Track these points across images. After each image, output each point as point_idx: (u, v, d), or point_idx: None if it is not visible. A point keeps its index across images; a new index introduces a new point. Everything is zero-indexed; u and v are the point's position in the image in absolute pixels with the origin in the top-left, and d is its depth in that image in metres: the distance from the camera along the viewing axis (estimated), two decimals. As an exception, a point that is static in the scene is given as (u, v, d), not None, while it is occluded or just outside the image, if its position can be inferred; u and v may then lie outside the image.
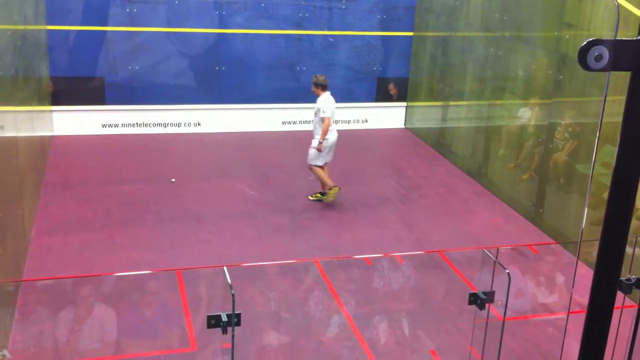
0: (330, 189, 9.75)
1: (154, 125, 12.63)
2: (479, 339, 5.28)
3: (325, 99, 9.61)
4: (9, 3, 8.04)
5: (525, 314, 7.12)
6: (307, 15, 12.93)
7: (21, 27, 8.98)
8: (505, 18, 10.83)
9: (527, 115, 10.38)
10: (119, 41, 12.16)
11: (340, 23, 13.15)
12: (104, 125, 12.38)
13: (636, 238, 4.49)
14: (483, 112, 11.44)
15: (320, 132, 9.54)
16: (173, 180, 10.39)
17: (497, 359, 5.73)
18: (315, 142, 9.67)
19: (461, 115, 12.30)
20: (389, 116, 13.81)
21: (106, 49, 12.15)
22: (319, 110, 9.56)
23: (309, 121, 13.33)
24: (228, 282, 5.85)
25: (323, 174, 9.82)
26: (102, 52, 12.14)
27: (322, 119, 9.50)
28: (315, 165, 9.80)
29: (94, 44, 12.07)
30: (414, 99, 13.77)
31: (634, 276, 2.82)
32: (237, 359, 5.12)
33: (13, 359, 6.03)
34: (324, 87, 9.66)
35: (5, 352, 6.63)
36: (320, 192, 9.95)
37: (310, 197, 9.99)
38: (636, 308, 3.00)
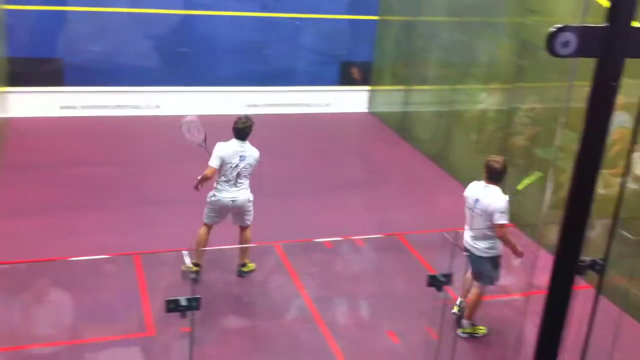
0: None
1: (112, 107, 12.45)
2: (436, 320, 5.34)
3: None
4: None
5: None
6: (271, -3, 12.84)
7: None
8: (470, 3, 10.87)
9: (488, 100, 10.46)
10: (80, 21, 11.92)
11: (306, 6, 13.07)
12: (62, 107, 12.16)
13: (590, 221, 4.55)
14: (446, 96, 11.50)
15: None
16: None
17: (453, 340, 5.82)
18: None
19: (424, 99, 12.35)
20: (352, 100, 13.79)
21: (66, 30, 11.90)
22: (257, 161, 7.37)
23: (274, 104, 13.29)
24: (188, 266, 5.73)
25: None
26: (62, 32, 11.88)
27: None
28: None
29: (54, 24, 11.80)
30: (378, 83, 13.77)
31: (588, 258, 2.86)
32: (196, 342, 5.09)
33: None
34: None
35: None
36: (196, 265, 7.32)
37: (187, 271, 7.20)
38: (589, 289, 3.05)
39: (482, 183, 6.50)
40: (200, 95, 12.81)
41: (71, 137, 11.37)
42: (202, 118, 12.48)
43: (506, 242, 6.38)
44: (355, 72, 13.78)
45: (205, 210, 7.38)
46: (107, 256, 7.37)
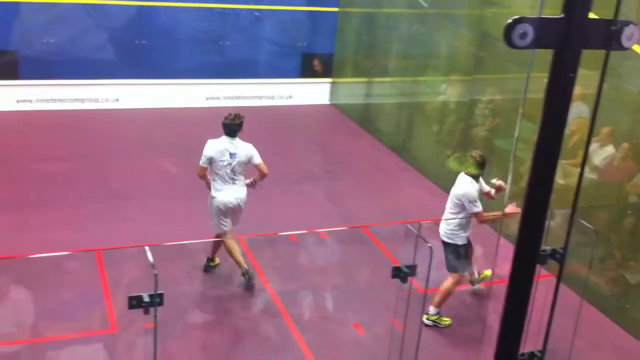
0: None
1: (70, 100, 12.21)
2: (401, 311, 5.37)
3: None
4: None
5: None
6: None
7: None
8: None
9: (449, 92, 10.55)
10: (34, 13, 11.64)
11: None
12: (18, 101, 11.89)
13: (550, 211, 4.63)
14: (407, 88, 11.56)
15: (248, 180, 7.33)
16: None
17: (418, 330, 5.86)
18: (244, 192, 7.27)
19: (386, 91, 12.40)
20: (313, 92, 13.78)
21: (20, 21, 11.62)
22: (252, 157, 7.17)
23: (235, 97, 13.19)
24: (150, 262, 5.70)
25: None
26: (15, 24, 11.60)
27: (259, 165, 7.21)
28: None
29: (7, 16, 11.51)
30: (339, 75, 13.78)
31: (548, 247, 2.90)
32: (160, 338, 5.03)
33: None
34: None
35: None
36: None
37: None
38: (549, 278, 3.09)
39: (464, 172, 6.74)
40: (160, 88, 12.65)
41: (29, 132, 11.13)
42: (162, 111, 12.41)
43: (490, 220, 6.61)
44: (317, 64, 13.77)
45: (214, 220, 7.22)
46: (69, 252, 7.25)
